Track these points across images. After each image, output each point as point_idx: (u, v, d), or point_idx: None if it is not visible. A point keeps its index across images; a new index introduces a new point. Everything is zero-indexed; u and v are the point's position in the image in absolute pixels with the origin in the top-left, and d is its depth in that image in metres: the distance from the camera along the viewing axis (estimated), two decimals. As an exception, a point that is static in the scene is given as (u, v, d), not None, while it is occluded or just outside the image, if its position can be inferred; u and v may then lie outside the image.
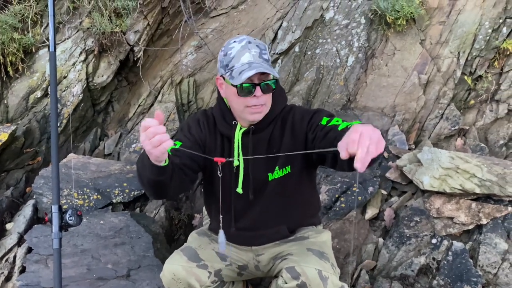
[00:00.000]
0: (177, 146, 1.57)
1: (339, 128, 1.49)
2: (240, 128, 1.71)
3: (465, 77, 3.02)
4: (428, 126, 2.95)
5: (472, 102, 3.00)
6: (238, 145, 1.71)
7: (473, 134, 2.88)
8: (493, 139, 2.86)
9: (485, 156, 2.64)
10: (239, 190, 1.73)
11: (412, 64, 3.10)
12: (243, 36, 1.64)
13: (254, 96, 1.59)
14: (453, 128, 2.88)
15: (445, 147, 2.83)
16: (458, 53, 3.03)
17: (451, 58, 3.04)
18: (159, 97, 3.40)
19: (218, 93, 1.77)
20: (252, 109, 1.63)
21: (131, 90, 3.57)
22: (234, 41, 1.63)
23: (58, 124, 3.16)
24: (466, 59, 3.03)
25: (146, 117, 3.28)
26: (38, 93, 3.22)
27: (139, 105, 3.43)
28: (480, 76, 3.01)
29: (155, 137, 1.25)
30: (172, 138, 1.58)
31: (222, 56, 1.64)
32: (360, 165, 1.07)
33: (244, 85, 1.57)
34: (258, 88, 1.58)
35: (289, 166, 1.72)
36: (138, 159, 1.53)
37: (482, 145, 2.76)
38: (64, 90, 3.24)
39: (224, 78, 1.66)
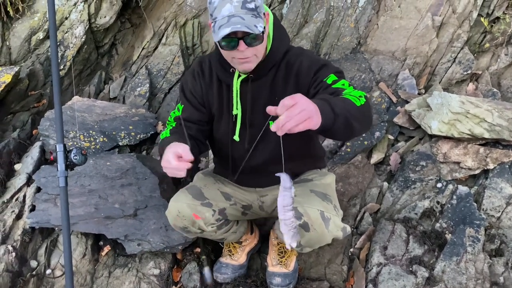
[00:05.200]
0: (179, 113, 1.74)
1: (343, 93, 1.42)
2: (239, 76, 1.63)
3: (482, 19, 2.88)
4: (440, 70, 2.86)
5: (487, 45, 2.89)
6: (237, 94, 1.65)
7: (485, 78, 2.79)
8: (506, 84, 2.77)
9: (497, 101, 2.57)
10: (236, 138, 1.71)
11: (426, 5, 2.96)
12: None
13: (238, 50, 1.48)
14: (465, 73, 2.79)
15: (456, 92, 2.75)
16: (476, -8, 2.88)
17: (468, -2, 2.89)
18: (163, 40, 3.31)
19: None
20: (240, 60, 1.53)
21: (134, 32, 3.48)
22: None
23: (62, 67, 3.12)
24: (484, -1, 2.88)
25: (150, 61, 3.24)
26: (40, 35, 3.14)
27: (143, 48, 3.35)
28: (498, 18, 2.87)
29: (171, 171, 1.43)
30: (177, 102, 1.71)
31: (208, 3, 1.50)
32: (275, 127, 1.14)
33: (223, 42, 1.46)
34: (241, 42, 1.45)
35: None
36: (159, 148, 1.64)
37: (495, 90, 2.68)
38: (66, 32, 3.16)
39: None
